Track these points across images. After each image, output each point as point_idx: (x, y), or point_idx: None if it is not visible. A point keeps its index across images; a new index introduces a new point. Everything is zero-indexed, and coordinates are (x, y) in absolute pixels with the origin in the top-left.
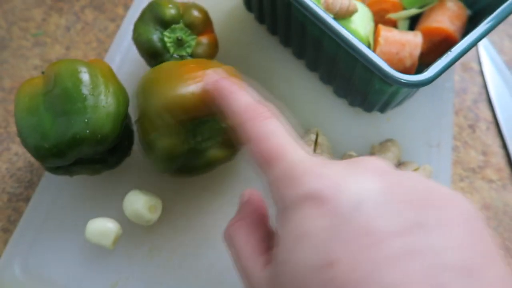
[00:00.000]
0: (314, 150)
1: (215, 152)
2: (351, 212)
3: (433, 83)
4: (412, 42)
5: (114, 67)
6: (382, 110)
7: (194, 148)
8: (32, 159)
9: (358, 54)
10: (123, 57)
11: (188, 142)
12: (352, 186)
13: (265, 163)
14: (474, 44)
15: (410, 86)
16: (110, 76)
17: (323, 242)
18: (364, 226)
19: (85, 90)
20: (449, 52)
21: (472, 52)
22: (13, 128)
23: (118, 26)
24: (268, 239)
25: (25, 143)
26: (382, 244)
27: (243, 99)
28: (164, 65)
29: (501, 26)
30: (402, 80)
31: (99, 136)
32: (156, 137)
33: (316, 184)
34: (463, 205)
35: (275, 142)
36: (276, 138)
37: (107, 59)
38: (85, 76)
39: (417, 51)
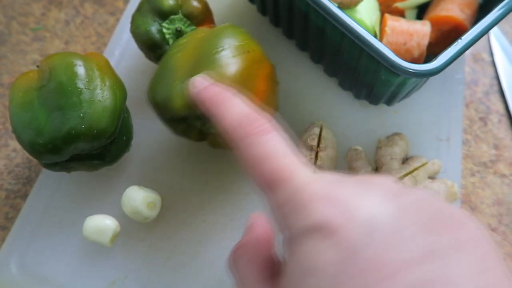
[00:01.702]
0: (318, 144)
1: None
2: (361, 243)
3: (443, 74)
4: (420, 31)
5: (114, 61)
6: (389, 102)
7: (200, 129)
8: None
9: (364, 44)
10: (123, 50)
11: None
12: (363, 211)
13: (267, 187)
14: (485, 32)
15: (418, 76)
16: (107, 69)
17: (331, 278)
18: (375, 259)
19: (80, 84)
20: (459, 41)
21: (483, 42)
22: None
23: (118, 20)
24: (272, 265)
25: (19, 139)
26: (395, 277)
27: (237, 110)
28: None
29: None
30: (409, 70)
31: (95, 131)
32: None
33: (323, 213)
34: (473, 227)
35: (278, 162)
36: (278, 157)
37: (106, 53)
38: (80, 70)
39: (425, 41)
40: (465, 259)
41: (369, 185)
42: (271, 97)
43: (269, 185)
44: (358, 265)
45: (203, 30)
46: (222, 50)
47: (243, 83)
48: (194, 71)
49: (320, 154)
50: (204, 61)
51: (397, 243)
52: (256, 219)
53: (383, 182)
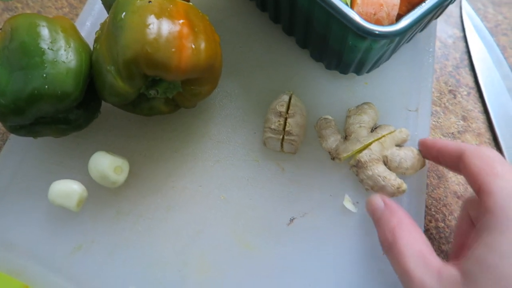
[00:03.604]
0: (287, 111)
1: (159, 104)
2: None
3: (414, 47)
4: (389, 2)
5: (85, 32)
6: (358, 71)
7: (144, 94)
8: None
9: (331, 7)
10: (94, 21)
11: (140, 89)
12: None
13: None
14: None
15: (382, 37)
16: (72, 32)
17: None
18: None
19: (43, 44)
20: (423, 4)
21: (455, 18)
22: None
23: None
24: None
25: None
26: None
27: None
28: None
29: None
30: (374, 31)
31: (59, 92)
32: (111, 71)
33: None
34: None
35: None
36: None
37: (78, 23)
38: (43, 30)
39: (394, 12)
40: None
41: None
42: (201, 35)
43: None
44: None
45: (107, 17)
46: (124, 15)
47: (159, 29)
48: (111, 50)
49: (289, 120)
50: (113, 36)
51: None
52: (387, 201)
53: None
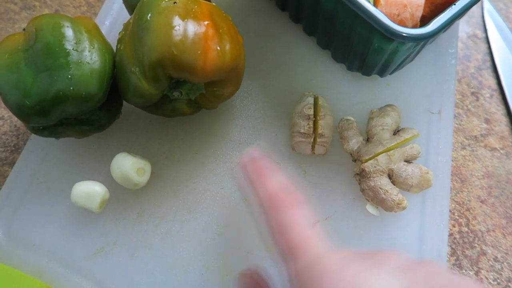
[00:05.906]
0: (315, 113)
1: (181, 105)
2: None
3: (436, 48)
4: (413, 3)
5: (104, 31)
6: (382, 73)
7: (166, 95)
8: (18, 123)
9: (358, 9)
10: (114, 20)
11: (164, 91)
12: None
13: (288, 255)
14: None
15: (412, 40)
16: (95, 32)
17: None
18: None
19: (68, 45)
20: (452, 6)
21: (477, 19)
22: None
23: None
24: None
25: (6, 101)
26: None
27: (271, 185)
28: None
29: None
30: (403, 34)
31: (83, 93)
32: (136, 72)
33: (335, 287)
34: None
35: (298, 233)
36: (299, 229)
37: (97, 22)
38: (68, 31)
39: (418, 13)
40: None
41: (379, 261)
42: (226, 37)
43: (289, 253)
44: None
45: (131, 18)
46: (149, 16)
47: (184, 31)
48: (136, 52)
49: (320, 122)
50: (138, 37)
51: None
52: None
53: (391, 257)
